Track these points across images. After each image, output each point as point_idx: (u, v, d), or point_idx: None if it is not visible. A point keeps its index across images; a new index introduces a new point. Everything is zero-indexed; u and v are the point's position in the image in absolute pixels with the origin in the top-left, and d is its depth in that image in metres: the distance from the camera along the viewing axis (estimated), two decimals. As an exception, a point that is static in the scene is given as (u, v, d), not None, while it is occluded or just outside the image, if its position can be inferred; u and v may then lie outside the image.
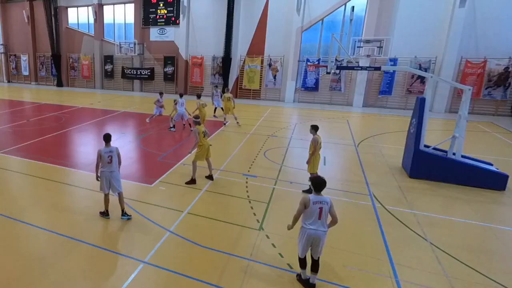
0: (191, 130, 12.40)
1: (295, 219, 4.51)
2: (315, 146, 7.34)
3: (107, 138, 6.39)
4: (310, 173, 7.45)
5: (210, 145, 8.90)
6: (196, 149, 8.11)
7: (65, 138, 12.87)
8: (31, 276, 4.75)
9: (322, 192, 4.44)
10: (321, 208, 4.31)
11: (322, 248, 4.44)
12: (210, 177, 8.41)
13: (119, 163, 6.46)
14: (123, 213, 6.39)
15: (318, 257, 4.48)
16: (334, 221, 4.43)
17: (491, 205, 7.28)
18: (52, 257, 5.19)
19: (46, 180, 8.34)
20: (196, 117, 8.45)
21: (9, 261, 5.12)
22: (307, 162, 7.49)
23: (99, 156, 6.25)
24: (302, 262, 4.59)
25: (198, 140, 7.97)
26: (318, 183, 4.38)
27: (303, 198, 4.39)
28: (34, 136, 12.80)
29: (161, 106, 14.84)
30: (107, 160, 6.23)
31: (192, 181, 8.09)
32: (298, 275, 4.72)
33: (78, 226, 6.20)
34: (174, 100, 13.78)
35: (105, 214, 6.46)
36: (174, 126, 13.87)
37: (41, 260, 5.10)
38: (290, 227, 4.61)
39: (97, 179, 6.41)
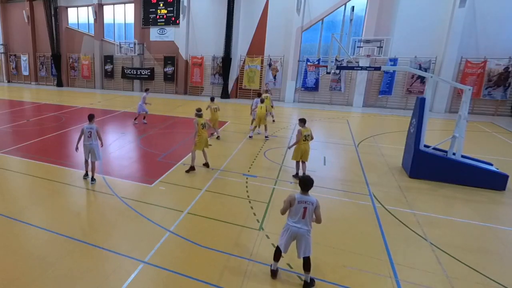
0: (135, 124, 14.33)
1: (282, 214, 4.66)
2: (297, 137, 8.23)
3: (90, 117, 7.98)
4: (295, 160, 8.44)
5: (210, 145, 9.40)
6: (195, 138, 8.80)
7: (65, 138, 12.86)
8: (31, 276, 4.75)
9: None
10: (305, 208, 4.39)
11: (308, 247, 4.47)
12: (206, 164, 9.10)
13: (100, 139, 7.93)
14: (92, 178, 8.04)
15: (308, 257, 4.50)
16: (317, 221, 4.51)
17: (491, 205, 7.28)
18: (52, 257, 5.19)
19: (46, 180, 8.34)
20: (198, 109, 9.02)
21: (9, 261, 5.12)
22: (289, 147, 8.76)
23: (82, 131, 7.85)
24: (277, 255, 4.70)
25: (197, 129, 8.67)
26: (304, 183, 4.46)
27: (289, 196, 4.50)
28: (34, 136, 12.79)
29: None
30: (87, 134, 7.78)
31: (192, 168, 8.88)
32: (271, 265, 4.85)
33: (78, 226, 6.21)
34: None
35: (85, 175, 8.22)
36: (143, 118, 14.84)
37: (41, 260, 5.10)
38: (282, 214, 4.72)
39: (76, 150, 8.06)
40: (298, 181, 7.88)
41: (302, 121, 8.35)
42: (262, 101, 12.54)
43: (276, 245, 4.80)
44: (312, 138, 8.39)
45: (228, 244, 5.56)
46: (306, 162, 8.41)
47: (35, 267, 4.94)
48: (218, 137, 12.31)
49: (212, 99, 12.60)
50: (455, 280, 4.78)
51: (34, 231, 5.98)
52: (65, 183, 8.25)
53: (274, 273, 4.76)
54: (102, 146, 8.13)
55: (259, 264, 5.07)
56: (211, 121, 12.15)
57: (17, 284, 4.60)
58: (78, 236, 5.78)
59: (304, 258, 4.52)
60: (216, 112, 12.23)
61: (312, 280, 4.61)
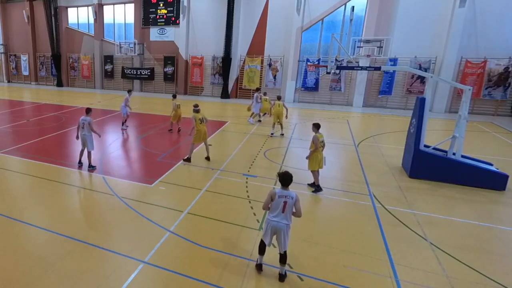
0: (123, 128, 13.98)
1: (264, 209, 4.77)
2: (316, 144, 7.44)
3: (86, 110, 8.85)
4: (310, 170, 7.73)
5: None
6: (194, 133, 9.44)
7: (65, 138, 12.86)
8: (31, 276, 4.75)
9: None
10: (285, 202, 4.55)
11: (286, 241, 4.63)
12: (207, 158, 9.69)
13: (93, 131, 8.66)
14: (89, 166, 8.89)
15: (285, 251, 4.66)
16: (296, 215, 4.62)
17: (491, 205, 7.28)
18: (52, 257, 5.19)
19: (46, 180, 8.34)
20: (195, 105, 9.64)
21: (9, 261, 5.12)
22: (307, 158, 7.69)
23: (78, 122, 8.81)
24: (261, 249, 4.86)
25: (194, 124, 9.32)
26: (283, 178, 4.63)
27: (270, 191, 4.68)
28: (34, 136, 12.80)
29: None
30: (81, 125, 8.66)
31: (188, 160, 9.56)
32: (256, 260, 4.99)
33: (78, 226, 6.20)
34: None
35: (78, 162, 9.10)
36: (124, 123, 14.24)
37: (41, 260, 5.10)
38: (264, 209, 4.84)
39: (76, 138, 8.97)
40: (313, 190, 7.71)
41: (317, 127, 7.57)
42: (279, 98, 13.32)
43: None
44: (324, 145, 7.75)
45: (228, 244, 5.57)
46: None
47: (35, 267, 4.94)
48: (179, 130, 13.44)
49: (174, 96, 13.52)
50: (455, 280, 4.78)
51: (34, 231, 5.98)
52: (65, 183, 8.25)
53: (259, 267, 4.91)
54: (100, 136, 9.02)
55: (259, 264, 5.06)
56: (175, 118, 13.10)
57: (17, 284, 4.61)
58: (78, 236, 5.78)
59: (281, 253, 4.69)
60: (179, 108, 13.01)
61: (286, 272, 4.80)
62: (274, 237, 4.74)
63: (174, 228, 6.04)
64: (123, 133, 13.61)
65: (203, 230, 6.07)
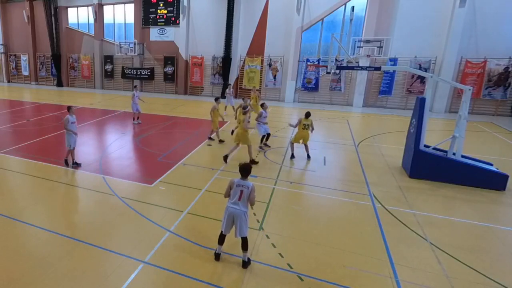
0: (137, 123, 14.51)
1: (225, 197, 5.12)
2: (296, 123, 9.99)
3: (68, 108, 9.24)
4: (292, 142, 10.12)
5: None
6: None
7: (65, 138, 12.82)
8: (31, 276, 4.75)
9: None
10: (242, 191, 4.91)
11: (244, 227, 4.90)
12: (225, 157, 9.71)
13: (65, 128, 8.99)
14: (74, 163, 9.20)
15: (246, 237, 4.93)
16: (250, 202, 4.95)
17: (491, 205, 7.28)
18: (52, 257, 5.19)
19: (46, 180, 8.34)
20: (245, 107, 10.06)
21: (9, 261, 5.12)
22: (290, 125, 10.54)
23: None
24: (221, 239, 5.14)
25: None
26: (243, 170, 4.97)
27: (230, 181, 5.06)
28: (34, 136, 12.79)
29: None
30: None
31: (254, 162, 9.59)
32: (215, 250, 5.22)
33: (78, 226, 6.21)
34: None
35: (66, 162, 9.33)
36: (137, 118, 15.03)
37: (41, 260, 5.10)
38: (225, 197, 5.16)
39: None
40: (293, 158, 9.84)
41: (306, 114, 9.87)
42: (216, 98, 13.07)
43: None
44: (313, 129, 9.89)
45: (228, 244, 5.55)
46: (307, 144, 9.95)
47: (35, 267, 4.94)
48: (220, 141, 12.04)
49: (216, 99, 12.36)
50: (455, 280, 4.78)
51: (34, 231, 5.98)
52: (65, 183, 8.25)
53: (217, 256, 5.15)
54: (76, 135, 9.23)
55: (259, 264, 5.07)
56: (215, 124, 11.86)
57: (17, 284, 4.60)
58: (78, 236, 5.78)
59: (241, 238, 4.93)
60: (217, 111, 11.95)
61: (248, 259, 5.02)
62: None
63: (174, 228, 6.04)
64: (133, 127, 14.36)
65: (203, 230, 6.07)
